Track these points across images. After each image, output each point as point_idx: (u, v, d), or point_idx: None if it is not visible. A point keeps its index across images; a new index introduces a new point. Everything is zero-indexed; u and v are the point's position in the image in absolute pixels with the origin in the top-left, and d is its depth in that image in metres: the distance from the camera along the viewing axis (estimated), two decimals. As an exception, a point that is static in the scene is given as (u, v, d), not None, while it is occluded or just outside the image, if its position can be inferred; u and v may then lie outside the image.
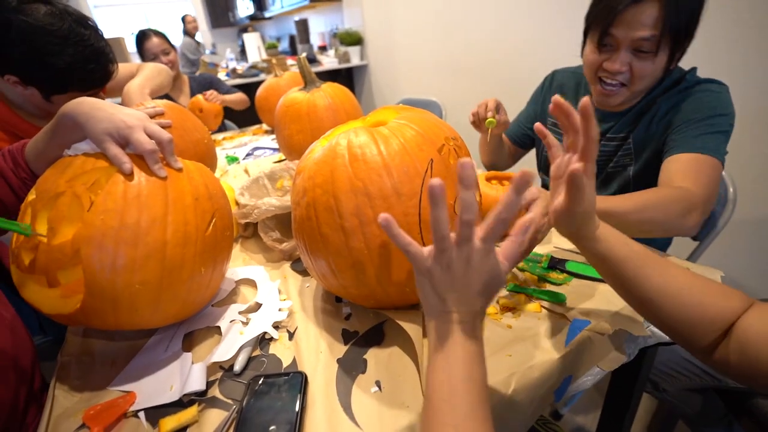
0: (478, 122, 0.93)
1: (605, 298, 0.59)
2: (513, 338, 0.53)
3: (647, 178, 0.84)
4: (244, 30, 4.74)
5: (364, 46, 3.34)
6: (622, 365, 0.59)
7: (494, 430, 0.35)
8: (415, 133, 0.52)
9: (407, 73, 2.94)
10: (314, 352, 0.55)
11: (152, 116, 0.87)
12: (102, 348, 0.59)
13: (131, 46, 2.01)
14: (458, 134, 0.57)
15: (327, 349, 0.55)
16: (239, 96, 2.06)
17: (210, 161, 1.05)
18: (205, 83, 2.07)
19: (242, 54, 4.01)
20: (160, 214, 0.50)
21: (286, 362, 0.54)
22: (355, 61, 3.35)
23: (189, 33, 4.20)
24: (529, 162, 1.13)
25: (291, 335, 0.59)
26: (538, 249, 0.72)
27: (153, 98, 1.08)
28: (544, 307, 0.58)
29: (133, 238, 0.47)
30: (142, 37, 1.86)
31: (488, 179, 0.80)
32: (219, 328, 0.60)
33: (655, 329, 0.60)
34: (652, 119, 0.81)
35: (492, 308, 0.58)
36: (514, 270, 0.67)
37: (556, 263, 0.66)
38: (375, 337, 0.56)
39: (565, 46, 1.73)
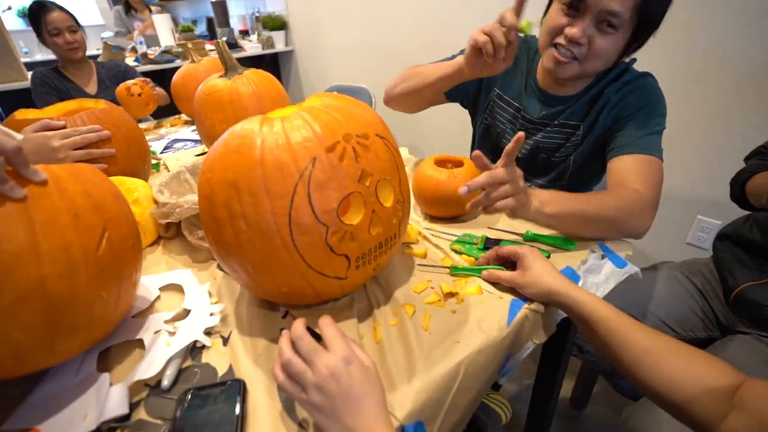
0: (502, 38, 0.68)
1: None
2: (458, 323, 0.54)
3: (585, 165, 0.89)
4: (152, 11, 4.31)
5: (288, 31, 3.19)
6: (551, 334, 0.63)
7: None
8: (307, 128, 0.49)
9: (335, 60, 2.87)
10: (252, 355, 0.52)
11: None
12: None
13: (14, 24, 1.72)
14: (374, 131, 0.53)
15: (266, 351, 0.52)
16: (162, 92, 1.80)
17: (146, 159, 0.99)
18: (118, 72, 1.84)
19: (153, 37, 3.63)
20: (27, 245, 0.40)
21: (221, 371, 0.50)
22: (280, 46, 3.20)
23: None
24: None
25: (225, 341, 0.55)
26: (473, 231, 0.75)
27: None
28: (485, 290, 0.60)
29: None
30: (40, 9, 1.59)
31: (437, 163, 0.80)
32: (142, 341, 0.54)
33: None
34: (602, 109, 0.82)
35: (435, 295, 0.59)
36: (451, 254, 0.68)
37: (491, 244, 0.69)
38: (315, 333, 0.54)
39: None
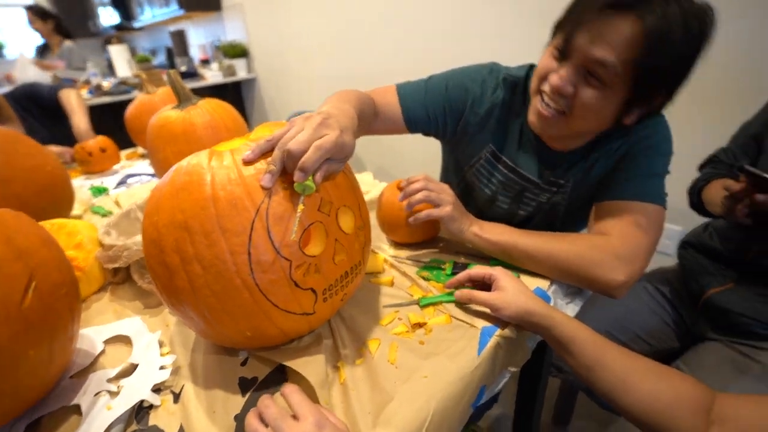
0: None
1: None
2: (427, 355, 0.51)
3: (575, 209, 0.79)
4: (110, 41, 4.19)
5: (250, 59, 3.18)
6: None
7: None
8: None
9: (298, 87, 2.87)
10: (206, 412, 0.47)
11: None
12: None
13: None
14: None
15: (222, 406, 0.47)
16: (67, 95, 1.58)
17: (60, 196, 0.89)
18: (25, 96, 1.64)
19: (110, 68, 3.52)
20: None
21: (171, 433, 0.45)
22: (242, 74, 3.18)
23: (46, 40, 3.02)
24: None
25: (177, 397, 0.49)
26: (442, 257, 0.73)
27: None
28: (455, 317, 0.57)
29: None
30: None
31: (400, 187, 0.77)
32: (79, 406, 0.48)
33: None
34: (595, 163, 0.71)
35: (402, 326, 0.56)
36: (419, 281, 0.65)
37: (459, 269, 0.67)
38: (276, 380, 0.50)
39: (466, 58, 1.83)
